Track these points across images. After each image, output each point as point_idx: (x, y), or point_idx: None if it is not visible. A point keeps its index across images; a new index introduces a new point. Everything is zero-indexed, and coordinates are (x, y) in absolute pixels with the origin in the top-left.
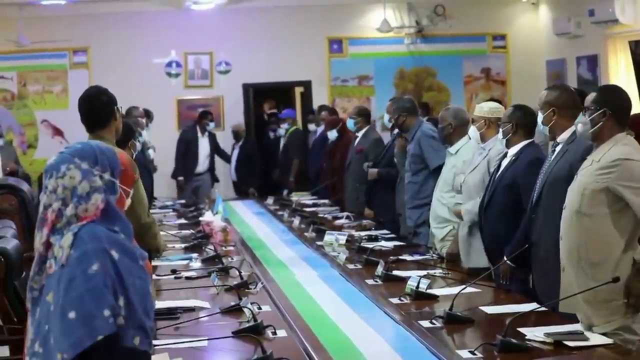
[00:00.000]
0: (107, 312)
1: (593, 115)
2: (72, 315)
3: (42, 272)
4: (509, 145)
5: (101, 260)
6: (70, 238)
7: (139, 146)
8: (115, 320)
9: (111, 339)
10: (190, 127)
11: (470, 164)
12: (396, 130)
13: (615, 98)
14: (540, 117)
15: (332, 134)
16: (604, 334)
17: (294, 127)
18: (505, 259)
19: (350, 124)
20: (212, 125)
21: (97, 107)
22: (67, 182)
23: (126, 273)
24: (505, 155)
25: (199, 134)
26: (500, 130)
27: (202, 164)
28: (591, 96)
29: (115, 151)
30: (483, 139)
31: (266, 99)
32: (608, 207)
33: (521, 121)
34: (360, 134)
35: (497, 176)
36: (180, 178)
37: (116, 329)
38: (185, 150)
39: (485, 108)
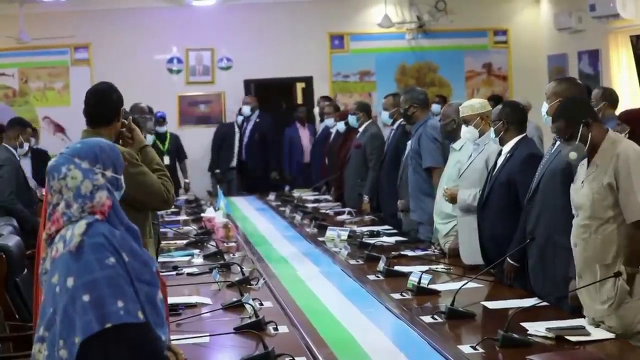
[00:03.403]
0: (120, 303)
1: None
2: (86, 298)
3: (48, 257)
4: (502, 142)
5: (116, 257)
6: (83, 227)
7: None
8: (131, 313)
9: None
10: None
11: (467, 161)
12: (395, 125)
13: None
14: (545, 107)
15: (340, 126)
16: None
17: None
18: (505, 257)
19: (352, 120)
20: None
21: (105, 103)
22: (70, 182)
23: (134, 277)
24: (500, 153)
25: (236, 128)
26: (492, 129)
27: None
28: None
29: (116, 147)
30: (481, 135)
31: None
32: (614, 206)
33: (511, 118)
34: (361, 129)
35: (493, 174)
36: (217, 171)
37: (127, 320)
38: (221, 144)
39: (476, 105)
